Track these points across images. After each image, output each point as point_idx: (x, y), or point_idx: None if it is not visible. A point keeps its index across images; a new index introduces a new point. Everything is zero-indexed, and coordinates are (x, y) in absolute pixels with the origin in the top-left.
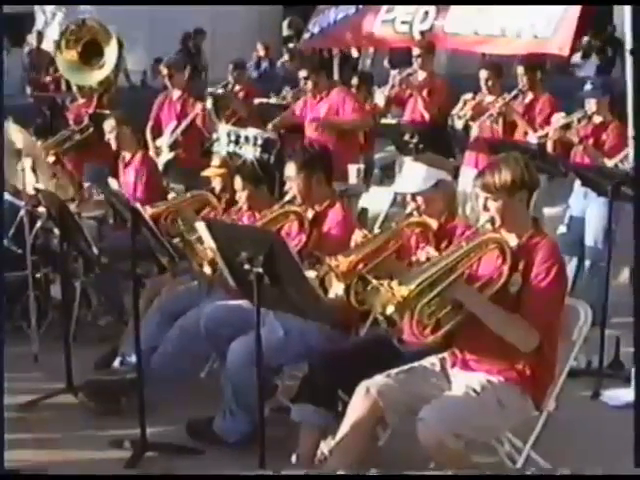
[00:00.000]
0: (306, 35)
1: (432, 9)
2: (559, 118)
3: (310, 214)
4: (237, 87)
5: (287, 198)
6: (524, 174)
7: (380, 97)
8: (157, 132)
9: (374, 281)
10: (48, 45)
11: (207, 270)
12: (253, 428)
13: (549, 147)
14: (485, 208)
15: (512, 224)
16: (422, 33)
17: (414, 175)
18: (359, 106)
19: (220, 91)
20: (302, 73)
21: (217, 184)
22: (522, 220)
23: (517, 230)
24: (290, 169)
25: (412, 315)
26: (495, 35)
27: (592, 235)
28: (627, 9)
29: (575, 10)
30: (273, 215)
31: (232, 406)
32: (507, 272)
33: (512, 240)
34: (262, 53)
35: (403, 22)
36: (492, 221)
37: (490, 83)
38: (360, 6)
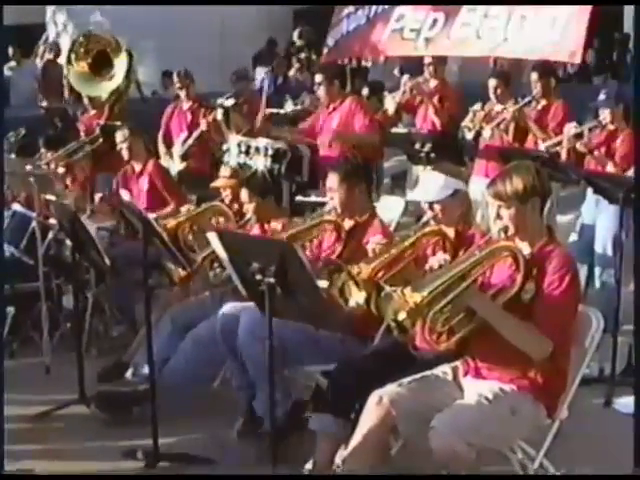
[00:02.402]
0: (325, 50)
1: (441, 16)
2: (571, 127)
3: (348, 225)
4: (240, 99)
5: (327, 208)
6: (536, 181)
7: (390, 103)
8: (168, 141)
9: (387, 287)
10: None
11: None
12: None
13: (563, 155)
14: (498, 216)
15: (525, 232)
16: (427, 40)
17: (432, 184)
18: (369, 122)
19: (230, 102)
20: (317, 78)
21: (227, 195)
22: (535, 228)
23: (530, 238)
24: (332, 180)
25: (424, 322)
26: (498, 39)
27: (602, 242)
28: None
29: (583, 14)
30: (308, 225)
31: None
32: (520, 280)
33: (525, 248)
34: (277, 69)
35: (412, 30)
36: (505, 229)
37: (499, 92)
38: (370, 16)
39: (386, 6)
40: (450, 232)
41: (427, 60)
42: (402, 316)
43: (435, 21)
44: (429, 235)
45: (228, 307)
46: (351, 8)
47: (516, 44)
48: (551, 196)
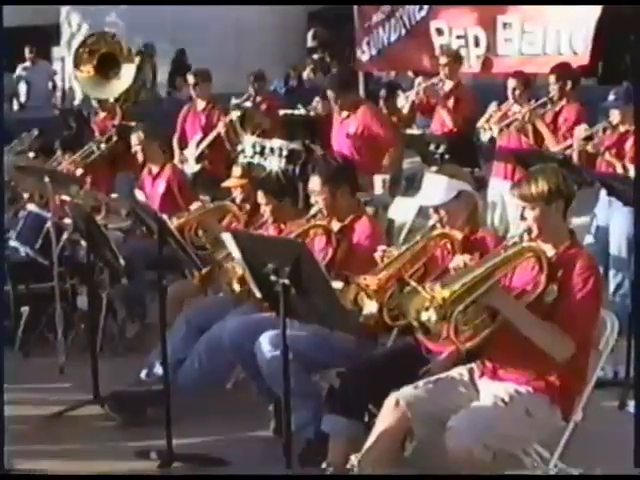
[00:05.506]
0: (364, 57)
1: (482, 34)
2: (582, 130)
3: (336, 227)
4: (258, 99)
5: (312, 212)
6: (561, 184)
7: (404, 102)
8: (183, 143)
9: (413, 283)
10: None
11: (236, 287)
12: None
13: (575, 157)
14: (522, 217)
15: (549, 234)
16: (477, 57)
17: (435, 187)
18: (388, 124)
19: (247, 104)
20: (329, 93)
21: (238, 194)
22: (559, 230)
23: (554, 240)
24: (314, 183)
25: (449, 322)
26: (537, 54)
27: (616, 244)
28: None
29: (593, 15)
30: (300, 231)
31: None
32: (544, 282)
33: (549, 250)
34: (291, 72)
35: (460, 46)
36: (529, 231)
37: (517, 92)
38: (408, 27)
39: (418, 17)
40: (457, 234)
41: (442, 61)
42: (427, 314)
43: (477, 38)
44: (436, 239)
45: (236, 321)
46: (381, 15)
47: (552, 57)
48: None
